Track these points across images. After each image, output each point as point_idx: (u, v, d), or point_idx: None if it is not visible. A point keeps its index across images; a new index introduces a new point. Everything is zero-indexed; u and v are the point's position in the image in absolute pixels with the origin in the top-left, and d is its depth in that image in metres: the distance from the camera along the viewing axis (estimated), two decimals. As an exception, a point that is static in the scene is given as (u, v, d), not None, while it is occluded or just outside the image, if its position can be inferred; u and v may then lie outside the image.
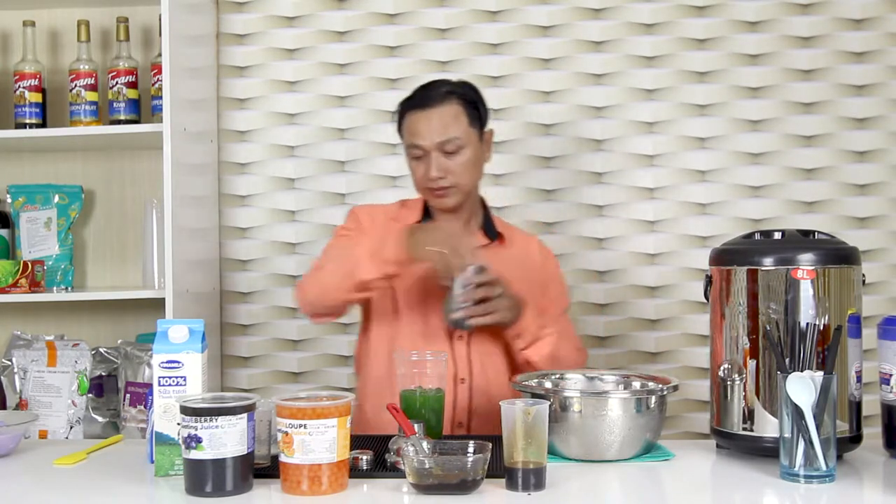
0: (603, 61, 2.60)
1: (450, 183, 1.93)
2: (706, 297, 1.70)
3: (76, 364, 2.26)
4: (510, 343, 1.93)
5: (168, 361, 1.53)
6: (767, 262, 1.59)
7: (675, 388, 1.65)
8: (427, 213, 2.03)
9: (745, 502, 1.42)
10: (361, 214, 2.07)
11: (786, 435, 1.46)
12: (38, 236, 2.53)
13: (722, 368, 1.64)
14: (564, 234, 2.60)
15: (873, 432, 1.67)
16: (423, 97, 1.94)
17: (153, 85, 2.45)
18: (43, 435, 2.20)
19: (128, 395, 2.23)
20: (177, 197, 2.28)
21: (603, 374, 1.82)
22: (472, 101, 1.96)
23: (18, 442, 1.74)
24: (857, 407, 1.61)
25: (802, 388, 1.44)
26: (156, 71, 2.43)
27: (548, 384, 1.77)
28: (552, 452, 1.55)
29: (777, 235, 1.65)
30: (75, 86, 2.45)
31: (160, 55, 2.33)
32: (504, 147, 2.60)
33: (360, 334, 2.08)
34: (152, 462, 1.57)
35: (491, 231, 2.03)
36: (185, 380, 1.52)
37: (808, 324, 1.54)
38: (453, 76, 2.09)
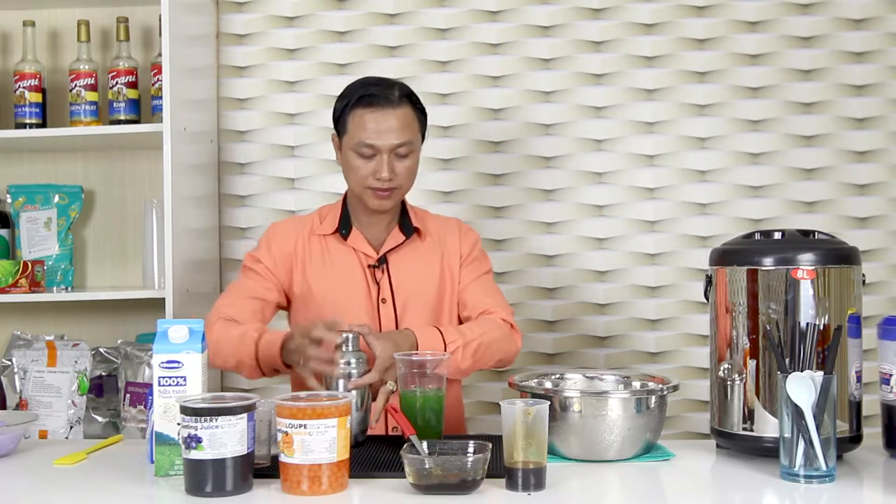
0: (603, 61, 2.60)
1: (396, 185, 1.92)
2: (706, 297, 1.71)
3: (76, 364, 2.26)
4: None
5: (168, 361, 1.53)
6: (767, 262, 1.59)
7: (675, 388, 1.65)
8: (344, 220, 2.00)
9: (745, 502, 1.42)
10: (273, 239, 2.01)
11: (786, 435, 1.46)
12: (38, 236, 2.53)
13: (722, 368, 1.64)
14: (564, 234, 2.60)
15: (873, 432, 1.68)
16: (381, 97, 1.89)
17: (153, 85, 2.45)
18: (43, 435, 2.20)
19: (128, 395, 2.23)
20: (177, 197, 2.28)
21: (603, 374, 1.82)
22: (420, 107, 1.96)
23: (18, 442, 1.74)
24: (857, 407, 1.61)
25: (802, 388, 1.44)
26: (156, 71, 2.43)
27: (548, 384, 1.77)
28: (552, 452, 1.55)
29: (777, 235, 1.65)
30: (75, 86, 2.45)
31: (160, 55, 2.33)
32: (504, 147, 2.60)
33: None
34: (152, 462, 1.57)
35: (407, 228, 2.01)
36: (185, 380, 1.52)
37: (808, 324, 1.54)
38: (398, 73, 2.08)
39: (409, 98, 1.94)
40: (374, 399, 1.72)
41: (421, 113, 1.96)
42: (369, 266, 1.97)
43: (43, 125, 2.48)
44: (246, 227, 2.65)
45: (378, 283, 1.96)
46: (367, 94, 1.90)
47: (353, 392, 1.64)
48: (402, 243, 1.99)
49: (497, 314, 1.98)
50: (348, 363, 1.67)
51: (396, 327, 1.94)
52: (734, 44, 2.58)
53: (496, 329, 1.94)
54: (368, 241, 1.99)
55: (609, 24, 2.60)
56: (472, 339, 1.88)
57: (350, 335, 1.69)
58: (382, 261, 1.97)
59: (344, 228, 1.99)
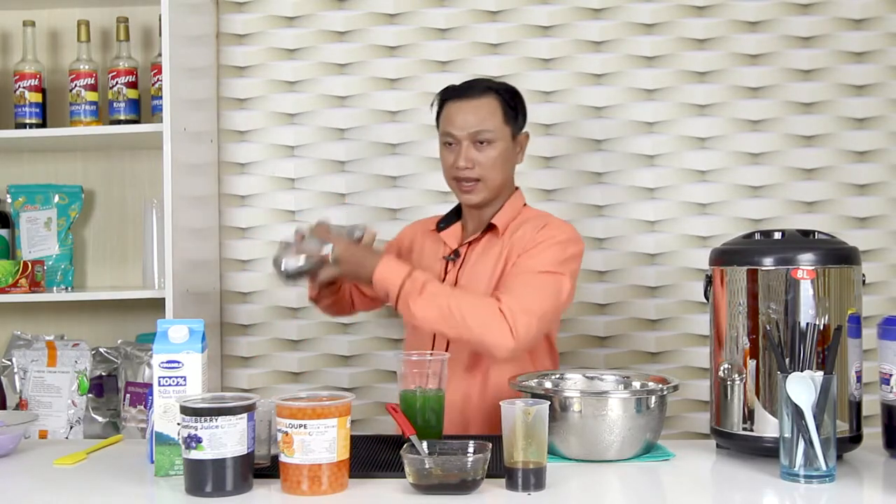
0: (603, 61, 2.60)
1: (476, 175, 1.98)
2: (706, 297, 1.71)
3: (76, 364, 2.26)
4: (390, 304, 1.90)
5: (168, 361, 1.53)
6: (767, 262, 1.59)
7: (675, 388, 1.66)
8: (451, 215, 2.12)
9: (745, 502, 1.43)
10: (400, 234, 2.25)
11: (786, 435, 1.46)
12: (38, 236, 2.53)
13: (722, 368, 1.64)
14: (564, 234, 2.59)
15: (873, 432, 1.68)
16: (464, 88, 2.01)
17: (153, 85, 2.45)
18: (43, 435, 2.20)
19: (128, 395, 2.23)
20: (177, 197, 2.28)
21: (603, 374, 1.82)
22: (510, 101, 2.02)
23: (18, 442, 1.74)
24: (857, 407, 1.61)
25: (802, 388, 1.44)
26: (156, 71, 2.43)
27: (548, 384, 1.77)
28: (552, 452, 1.55)
29: (777, 235, 1.65)
30: (75, 86, 2.45)
31: (160, 55, 2.33)
32: (504, 147, 2.60)
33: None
34: (152, 462, 1.57)
35: (490, 226, 2.03)
36: (185, 380, 1.53)
37: (808, 324, 1.54)
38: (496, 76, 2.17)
39: (496, 91, 2.01)
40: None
41: (509, 106, 2.01)
42: (443, 258, 2.04)
43: (43, 125, 2.48)
44: (246, 227, 2.65)
45: (446, 275, 2.01)
46: (453, 87, 2.04)
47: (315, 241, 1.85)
48: (476, 238, 2.04)
49: (500, 303, 1.81)
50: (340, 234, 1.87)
51: None
52: (734, 44, 2.58)
53: (480, 306, 1.81)
54: (465, 235, 2.07)
55: (609, 24, 2.60)
56: (438, 292, 1.80)
57: (356, 231, 1.89)
58: (457, 254, 2.03)
59: (443, 222, 2.11)
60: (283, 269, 1.82)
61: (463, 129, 1.97)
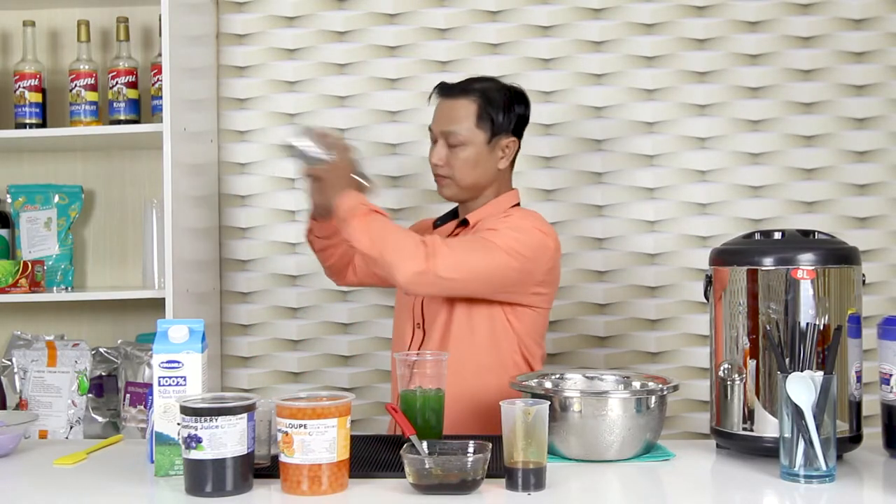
0: (603, 61, 2.60)
1: (445, 173, 2.02)
2: (706, 297, 1.71)
3: (76, 364, 2.26)
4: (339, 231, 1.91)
5: (168, 361, 1.53)
6: (767, 262, 1.59)
7: (675, 388, 1.66)
8: (452, 212, 2.15)
9: (745, 502, 1.42)
10: (412, 227, 2.24)
11: (786, 435, 1.46)
12: (38, 236, 2.53)
13: (722, 368, 1.64)
14: (564, 234, 2.59)
15: (873, 432, 1.68)
16: (448, 87, 2.04)
17: (153, 85, 2.45)
18: (43, 435, 2.20)
19: (128, 395, 2.23)
20: (177, 197, 2.28)
21: (603, 374, 1.82)
22: (487, 104, 1.99)
23: (18, 442, 1.74)
24: (857, 407, 1.61)
25: (802, 388, 1.44)
26: (156, 71, 2.43)
27: (548, 384, 1.77)
28: (552, 452, 1.55)
29: (777, 235, 1.65)
30: (75, 86, 2.45)
31: (160, 55, 2.33)
32: (504, 147, 2.60)
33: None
34: (152, 462, 1.57)
35: (464, 221, 2.07)
36: (185, 380, 1.53)
37: (808, 324, 1.54)
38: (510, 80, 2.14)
39: (478, 93, 2.00)
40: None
41: (486, 111, 1.98)
42: None
43: (43, 125, 2.48)
44: (246, 227, 2.65)
45: None
46: (442, 84, 2.06)
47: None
48: (452, 234, 2.07)
49: (424, 238, 1.84)
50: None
51: (422, 313, 2.01)
52: (734, 44, 2.58)
53: (407, 235, 1.83)
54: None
55: (609, 24, 2.60)
56: (379, 220, 1.83)
57: (367, 179, 1.96)
58: None
59: (441, 220, 2.14)
60: (288, 139, 1.96)
61: (436, 127, 2.03)
